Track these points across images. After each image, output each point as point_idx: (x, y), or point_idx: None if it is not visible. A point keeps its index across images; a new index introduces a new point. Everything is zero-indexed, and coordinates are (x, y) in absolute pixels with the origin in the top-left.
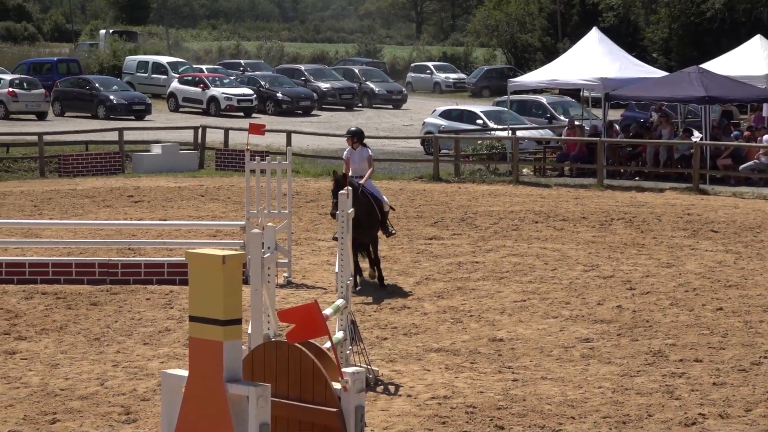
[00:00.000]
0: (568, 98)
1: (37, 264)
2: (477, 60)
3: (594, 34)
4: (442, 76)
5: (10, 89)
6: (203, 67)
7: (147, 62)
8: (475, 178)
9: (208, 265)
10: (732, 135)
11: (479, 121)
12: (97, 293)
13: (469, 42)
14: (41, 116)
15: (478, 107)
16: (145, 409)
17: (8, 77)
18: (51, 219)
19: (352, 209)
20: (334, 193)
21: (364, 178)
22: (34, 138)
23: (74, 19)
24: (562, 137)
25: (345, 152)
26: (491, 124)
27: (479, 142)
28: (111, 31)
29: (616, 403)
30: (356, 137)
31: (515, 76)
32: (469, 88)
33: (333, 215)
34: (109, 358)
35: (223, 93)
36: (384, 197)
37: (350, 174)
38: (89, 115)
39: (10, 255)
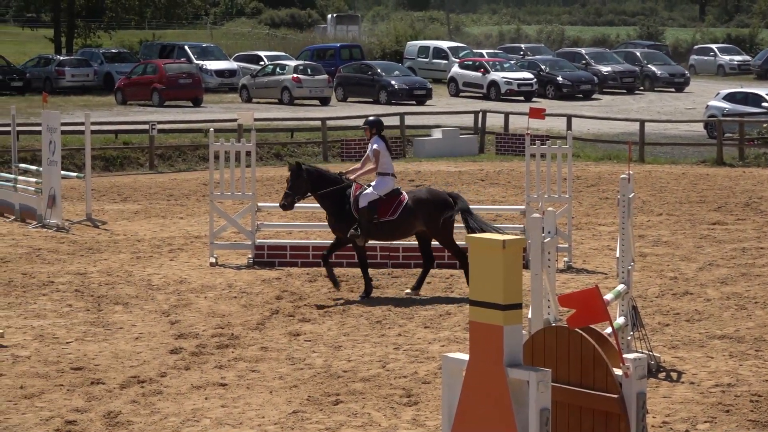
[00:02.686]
0: None
1: (320, 247)
2: (763, 41)
3: None
4: (726, 58)
5: (295, 75)
6: (483, 51)
7: (428, 47)
8: (761, 163)
9: (489, 249)
10: None
11: (765, 104)
12: (378, 276)
13: (754, 23)
14: (324, 102)
15: (763, 90)
16: (426, 392)
17: (293, 63)
18: None
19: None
20: (289, 185)
21: (355, 174)
22: (318, 123)
23: (356, 5)
24: None
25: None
26: None
27: (765, 125)
28: (335, 15)
29: None
30: (371, 127)
31: None
32: (754, 70)
33: (282, 206)
34: (390, 340)
35: (503, 77)
36: (366, 203)
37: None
38: (371, 100)
39: (294, 238)
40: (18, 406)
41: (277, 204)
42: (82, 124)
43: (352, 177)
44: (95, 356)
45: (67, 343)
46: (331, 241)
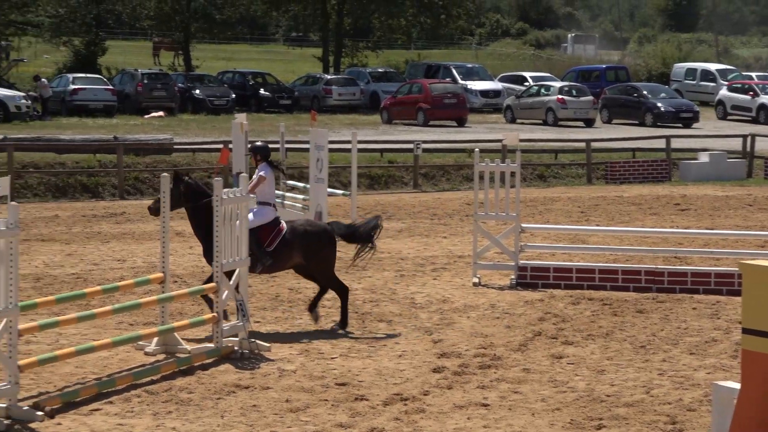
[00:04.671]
0: None
1: (583, 270)
2: None
3: None
4: None
5: (560, 96)
6: (753, 74)
7: (695, 69)
8: None
9: (763, 276)
10: None
11: None
12: (642, 301)
13: None
14: (589, 123)
15: None
16: (691, 420)
17: (558, 84)
18: (597, 225)
19: None
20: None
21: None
22: (582, 145)
23: (622, 27)
24: None
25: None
26: None
27: None
28: (573, 34)
29: None
30: (255, 153)
31: None
32: None
33: (148, 208)
34: (654, 366)
35: None
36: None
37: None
38: (636, 122)
39: (557, 260)
40: (284, 419)
41: (541, 225)
42: (349, 142)
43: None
44: (359, 372)
45: (332, 358)
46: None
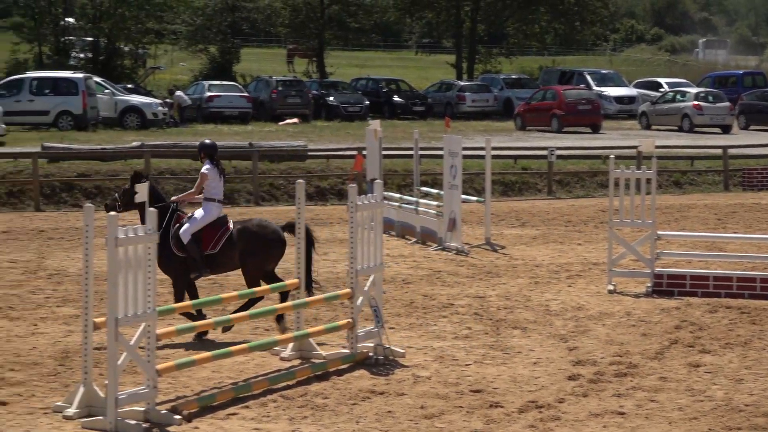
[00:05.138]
0: None
1: (721, 278)
2: None
3: None
4: None
5: (696, 102)
6: None
7: None
8: None
9: None
10: None
11: None
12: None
13: None
14: (725, 129)
15: None
16: None
17: (693, 90)
18: (735, 233)
19: None
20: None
21: (179, 197)
22: (719, 151)
23: (760, 32)
24: None
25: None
26: None
27: None
28: (704, 40)
29: None
30: (200, 151)
31: None
32: None
33: (104, 205)
34: None
35: None
36: (189, 237)
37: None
38: None
39: (694, 267)
40: (419, 425)
41: (677, 232)
42: (483, 149)
43: (174, 198)
44: (494, 379)
45: (466, 365)
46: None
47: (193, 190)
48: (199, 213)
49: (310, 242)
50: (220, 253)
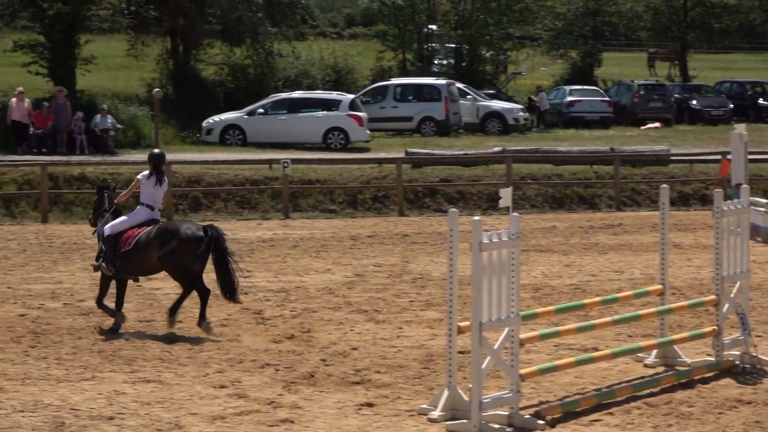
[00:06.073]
0: None
1: None
2: None
3: None
4: None
5: None
6: None
7: None
8: None
9: None
10: None
11: None
12: None
13: None
14: None
15: None
16: None
17: None
18: None
19: None
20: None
21: (119, 198)
22: None
23: None
24: None
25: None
26: None
27: None
28: None
29: None
30: (149, 161)
31: None
32: None
33: (89, 220)
34: None
35: None
36: (110, 230)
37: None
38: None
39: None
40: None
41: None
42: None
43: (116, 200)
44: None
45: None
46: None
47: (124, 192)
48: (128, 214)
49: (220, 248)
50: (133, 250)
